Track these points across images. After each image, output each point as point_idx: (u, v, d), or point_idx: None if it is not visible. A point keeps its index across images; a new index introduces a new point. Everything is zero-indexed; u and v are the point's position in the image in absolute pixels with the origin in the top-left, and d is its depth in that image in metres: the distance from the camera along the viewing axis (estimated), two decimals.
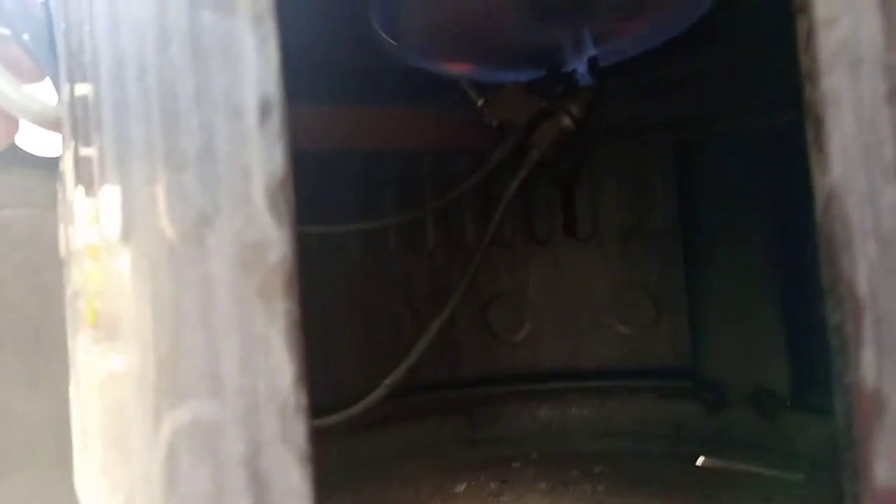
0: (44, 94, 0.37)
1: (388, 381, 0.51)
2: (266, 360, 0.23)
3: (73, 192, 0.31)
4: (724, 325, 0.81)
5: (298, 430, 0.23)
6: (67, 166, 0.32)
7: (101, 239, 0.28)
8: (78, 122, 0.30)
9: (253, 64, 0.23)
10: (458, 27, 0.50)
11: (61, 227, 0.37)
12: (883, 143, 0.19)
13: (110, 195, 0.27)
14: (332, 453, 0.68)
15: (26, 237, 0.78)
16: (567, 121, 0.54)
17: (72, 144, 0.31)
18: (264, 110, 0.23)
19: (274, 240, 0.22)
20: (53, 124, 0.36)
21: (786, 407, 0.74)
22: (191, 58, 0.24)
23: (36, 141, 0.78)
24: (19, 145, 0.77)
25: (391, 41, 0.50)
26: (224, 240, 0.23)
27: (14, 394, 0.77)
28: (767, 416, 0.76)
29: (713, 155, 0.80)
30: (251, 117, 0.23)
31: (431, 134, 0.62)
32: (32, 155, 0.78)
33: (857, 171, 0.19)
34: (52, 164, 0.51)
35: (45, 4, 0.37)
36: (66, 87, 0.31)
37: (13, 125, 0.38)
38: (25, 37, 0.36)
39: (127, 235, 0.26)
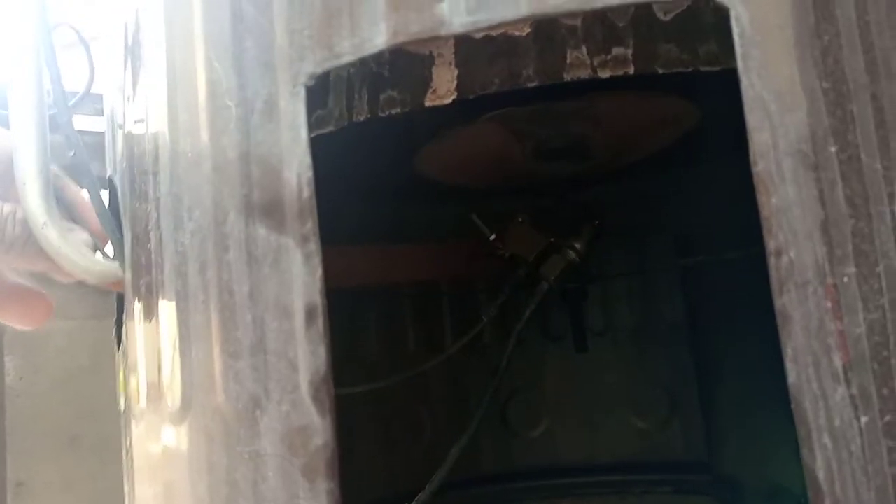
0: (105, 257, 0.42)
1: None
2: None
3: (135, 356, 0.35)
4: (737, 421, 0.83)
5: None
6: (132, 329, 0.37)
7: (162, 407, 0.32)
8: (141, 297, 0.34)
9: (300, 275, 0.27)
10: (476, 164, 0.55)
11: (120, 375, 0.41)
12: (831, 351, 0.22)
13: (173, 372, 0.31)
14: None
15: (65, 348, 0.83)
16: (572, 255, 0.58)
17: (134, 314, 0.35)
18: (310, 315, 0.27)
19: (318, 427, 0.26)
20: (114, 284, 0.41)
21: None
22: (246, 263, 0.28)
23: None
24: None
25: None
26: (273, 422, 0.27)
27: (50, 498, 0.79)
28: None
29: (714, 254, 0.83)
30: (298, 319, 0.27)
31: (451, 265, 0.67)
32: None
33: (808, 375, 0.22)
34: None
35: (111, 182, 0.42)
36: (131, 268, 0.35)
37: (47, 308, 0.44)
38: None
39: (186, 409, 0.30)
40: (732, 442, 0.83)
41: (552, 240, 0.59)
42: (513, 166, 0.57)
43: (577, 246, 0.58)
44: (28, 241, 0.40)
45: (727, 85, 0.29)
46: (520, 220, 0.59)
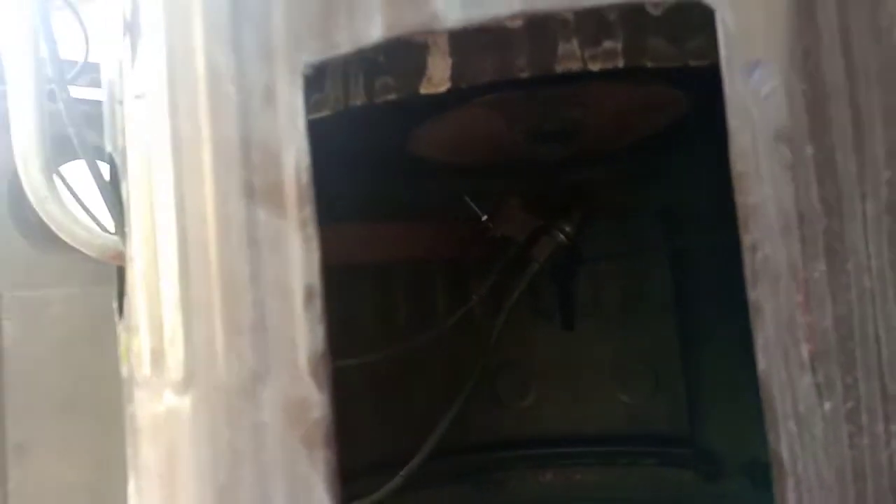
0: (105, 229, 0.43)
1: (403, 472, 0.55)
2: (308, 496, 0.28)
3: (139, 329, 0.37)
4: (719, 396, 0.84)
5: None
6: (135, 303, 0.38)
7: (165, 378, 0.33)
8: (144, 274, 0.35)
9: (299, 258, 0.28)
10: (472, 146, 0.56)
11: (122, 347, 0.42)
12: (799, 343, 0.24)
13: (175, 346, 0.32)
14: None
15: (64, 314, 0.84)
16: (561, 237, 0.59)
17: (138, 290, 0.36)
18: (308, 296, 0.28)
19: (316, 401, 0.27)
20: (113, 257, 0.42)
21: None
22: (247, 245, 0.29)
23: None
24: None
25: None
26: (274, 395, 0.29)
27: (49, 464, 0.81)
28: (762, 487, 0.79)
29: (701, 234, 0.84)
30: (298, 300, 0.28)
31: (443, 245, 0.67)
32: None
33: (777, 364, 0.24)
34: None
35: (111, 158, 0.43)
36: (132, 246, 0.36)
37: None
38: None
39: (189, 381, 0.32)
40: (714, 417, 0.85)
41: (542, 222, 0.60)
42: (505, 149, 0.58)
43: (567, 229, 0.60)
44: None
45: (716, 74, 0.29)
46: (511, 202, 0.60)
